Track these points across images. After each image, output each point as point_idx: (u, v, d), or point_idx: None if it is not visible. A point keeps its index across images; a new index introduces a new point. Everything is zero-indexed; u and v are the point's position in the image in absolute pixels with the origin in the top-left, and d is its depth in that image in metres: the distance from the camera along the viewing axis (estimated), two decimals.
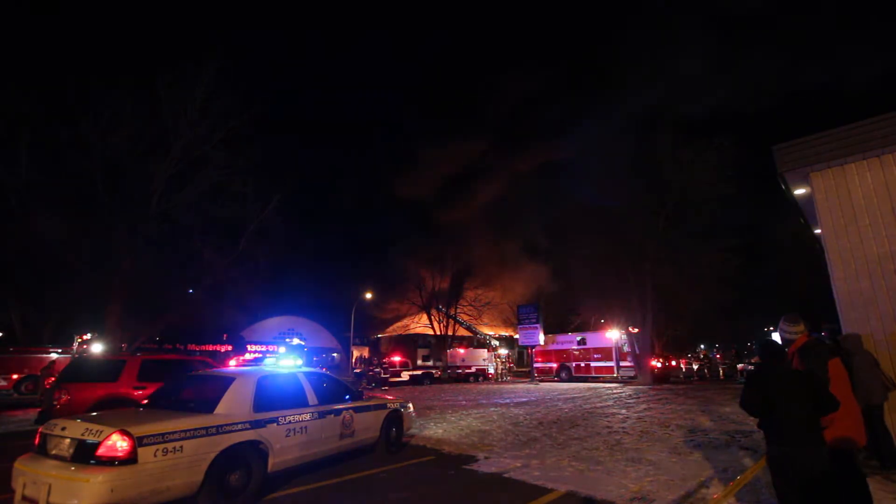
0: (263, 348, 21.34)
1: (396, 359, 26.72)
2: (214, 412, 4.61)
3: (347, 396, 6.42)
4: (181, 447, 4.09)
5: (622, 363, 24.62)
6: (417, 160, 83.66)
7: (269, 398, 5.16)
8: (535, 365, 28.13)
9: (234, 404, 4.80)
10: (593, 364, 25.49)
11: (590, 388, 19.90)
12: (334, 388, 6.41)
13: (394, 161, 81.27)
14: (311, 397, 5.73)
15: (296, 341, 29.45)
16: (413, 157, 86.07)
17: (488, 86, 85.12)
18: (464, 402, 14.12)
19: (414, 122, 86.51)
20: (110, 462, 3.75)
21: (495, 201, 71.36)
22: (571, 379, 25.85)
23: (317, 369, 8.78)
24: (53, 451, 4.03)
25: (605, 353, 25.21)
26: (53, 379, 10.23)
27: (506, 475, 5.61)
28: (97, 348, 17.27)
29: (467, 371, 29.39)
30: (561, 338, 27.94)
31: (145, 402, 5.39)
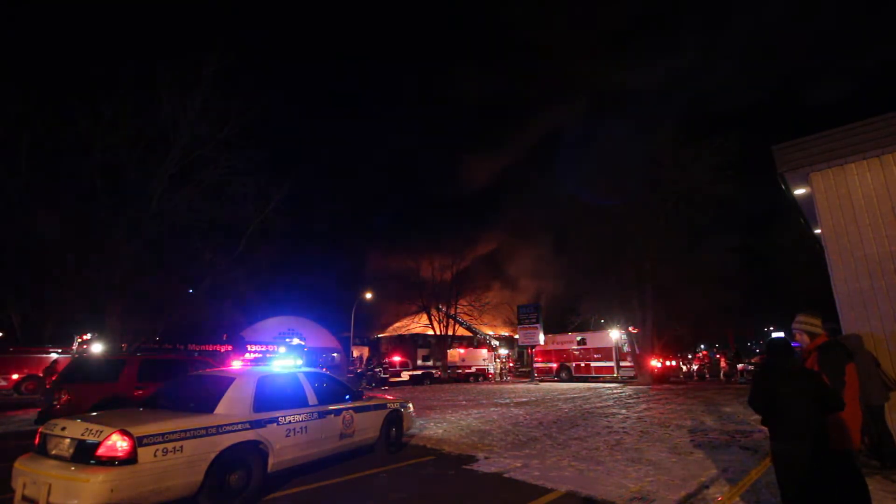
0: (263, 348, 21.32)
1: (396, 359, 26.72)
2: (214, 412, 4.61)
3: (347, 396, 6.43)
4: (181, 447, 4.09)
5: (622, 363, 24.60)
6: (419, 158, 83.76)
7: (269, 398, 5.16)
8: (535, 365, 28.12)
9: (233, 404, 4.80)
10: (593, 364, 25.47)
11: (590, 388, 19.90)
12: (334, 388, 6.41)
13: (395, 159, 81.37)
14: (311, 397, 5.73)
15: (296, 341, 29.42)
16: (415, 155, 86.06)
17: (486, 77, 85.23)
18: (464, 402, 14.11)
19: (419, 120, 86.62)
20: (110, 462, 3.75)
21: (496, 201, 71.55)
22: (571, 379, 25.84)
23: (317, 369, 8.78)
24: (53, 451, 4.04)
25: (605, 353, 25.19)
26: (54, 378, 10.23)
27: (506, 475, 5.61)
28: (97, 348, 17.28)
29: (467, 371, 29.40)
30: (561, 338, 27.91)
31: (145, 401, 5.39)
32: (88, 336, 20.69)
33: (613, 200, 24.44)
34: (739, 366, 24.94)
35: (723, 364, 27.30)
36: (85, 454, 3.82)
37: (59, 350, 19.00)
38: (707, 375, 28.20)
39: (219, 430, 4.43)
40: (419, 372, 26.64)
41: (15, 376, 17.35)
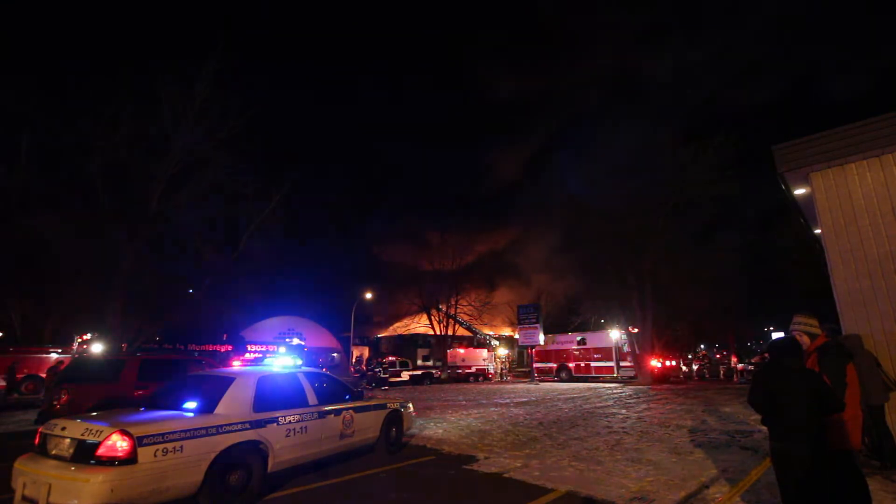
0: (263, 348, 21.32)
1: (396, 359, 26.73)
2: (214, 412, 4.61)
3: (347, 396, 6.42)
4: (181, 447, 4.09)
5: (622, 363, 24.61)
6: (420, 158, 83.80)
7: (269, 398, 5.15)
8: (535, 365, 28.13)
9: (234, 404, 4.79)
10: (593, 364, 25.48)
11: (590, 388, 19.90)
12: (334, 388, 6.41)
13: (397, 158, 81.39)
14: (311, 397, 5.73)
15: (296, 341, 29.42)
16: (416, 154, 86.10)
17: (488, 71, 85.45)
18: (464, 402, 14.12)
19: (418, 117, 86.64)
20: (110, 462, 3.74)
21: (497, 202, 71.58)
22: (571, 379, 25.84)
23: (317, 369, 8.78)
24: (53, 451, 4.03)
25: (605, 353, 25.20)
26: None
27: (506, 475, 5.61)
28: (97, 348, 17.27)
29: (467, 371, 29.40)
30: (561, 338, 27.93)
31: (145, 401, 5.39)
32: (88, 336, 20.69)
33: (614, 201, 24.46)
34: (739, 366, 24.96)
35: (734, 363, 27.17)
36: (85, 454, 3.82)
37: (59, 350, 19.00)
38: (707, 375, 28.21)
39: (219, 430, 4.43)
40: (419, 372, 26.64)
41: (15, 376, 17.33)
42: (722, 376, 27.77)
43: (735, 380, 24.42)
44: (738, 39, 76.62)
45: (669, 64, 77.22)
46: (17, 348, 18.91)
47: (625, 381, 23.61)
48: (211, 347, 19.29)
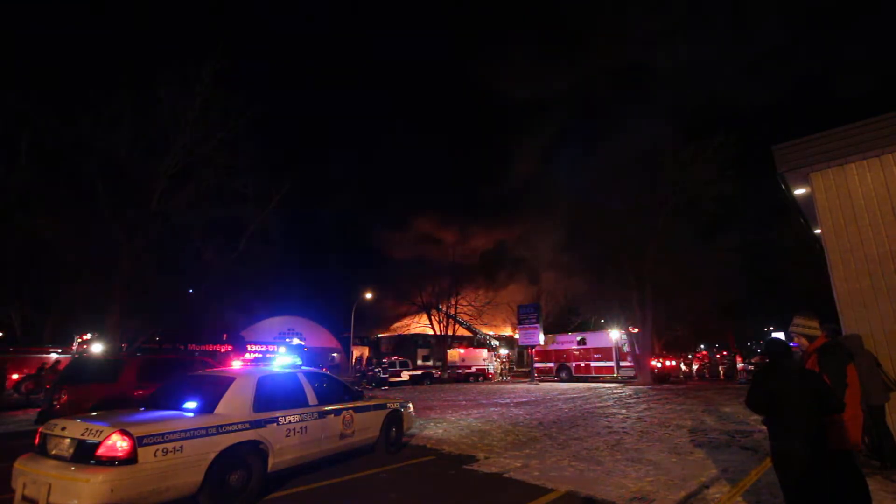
0: (263, 348, 21.35)
1: (396, 359, 26.74)
2: (214, 412, 4.61)
3: (347, 396, 6.43)
4: (181, 447, 4.09)
5: (622, 363, 24.59)
6: (420, 157, 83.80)
7: (269, 398, 5.15)
8: (535, 365, 28.12)
9: (234, 404, 4.79)
10: (593, 364, 25.46)
11: (590, 388, 19.89)
12: (334, 388, 6.41)
13: (397, 158, 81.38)
14: (311, 397, 5.73)
15: (296, 341, 29.47)
16: (416, 154, 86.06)
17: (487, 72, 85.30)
18: (464, 402, 14.12)
19: (419, 115, 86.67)
20: (110, 462, 3.74)
21: (498, 200, 71.62)
22: (571, 379, 25.83)
23: (317, 369, 8.78)
24: (53, 451, 4.03)
25: (605, 353, 25.18)
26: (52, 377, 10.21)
27: (506, 475, 5.60)
28: (97, 348, 17.28)
29: (467, 371, 29.40)
30: (561, 338, 27.92)
31: (145, 401, 5.39)
32: (88, 336, 20.69)
33: (615, 201, 24.45)
34: (739, 366, 24.94)
35: (739, 363, 27.01)
36: (85, 454, 3.82)
37: (59, 350, 18.98)
38: (707, 375, 28.19)
39: (219, 430, 4.43)
40: (419, 372, 26.64)
41: (15, 376, 17.33)
42: (722, 376, 27.73)
43: (737, 378, 24.39)
44: (738, 39, 76.67)
45: (671, 63, 77.25)
46: (17, 348, 18.89)
47: (625, 381, 23.60)
48: (211, 347, 19.32)
